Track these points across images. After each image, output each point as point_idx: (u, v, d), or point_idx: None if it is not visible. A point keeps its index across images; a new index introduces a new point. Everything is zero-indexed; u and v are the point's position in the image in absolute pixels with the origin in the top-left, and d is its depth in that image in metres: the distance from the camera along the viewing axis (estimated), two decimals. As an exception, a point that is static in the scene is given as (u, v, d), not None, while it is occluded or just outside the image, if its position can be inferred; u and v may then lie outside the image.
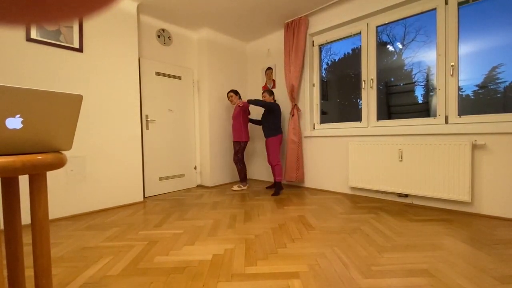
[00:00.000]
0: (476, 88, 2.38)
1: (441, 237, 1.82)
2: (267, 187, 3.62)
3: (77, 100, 0.71)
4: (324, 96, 3.61)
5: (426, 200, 2.52)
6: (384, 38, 2.98)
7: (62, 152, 0.80)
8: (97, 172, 2.68)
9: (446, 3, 2.44)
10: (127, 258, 1.62)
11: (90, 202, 2.64)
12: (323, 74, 3.61)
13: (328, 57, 3.56)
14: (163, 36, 3.52)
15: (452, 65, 2.41)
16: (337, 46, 3.42)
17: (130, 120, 2.95)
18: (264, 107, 3.23)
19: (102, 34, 2.73)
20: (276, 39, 3.94)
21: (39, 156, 0.68)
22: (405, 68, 2.86)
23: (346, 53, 3.37)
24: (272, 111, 3.28)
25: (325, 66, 3.60)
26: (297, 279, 1.34)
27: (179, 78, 3.66)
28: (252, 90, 4.35)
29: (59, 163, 0.74)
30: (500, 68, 2.25)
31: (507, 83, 2.23)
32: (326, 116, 3.57)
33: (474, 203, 2.26)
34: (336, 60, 3.50)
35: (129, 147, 2.93)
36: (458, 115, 2.39)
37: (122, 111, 2.88)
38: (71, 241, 1.91)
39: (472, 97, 2.41)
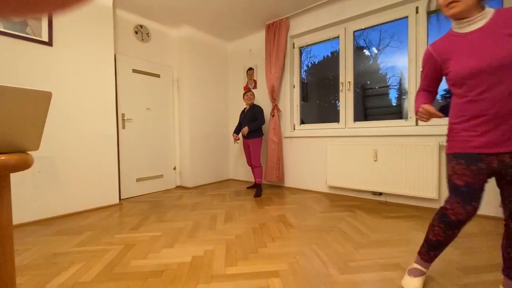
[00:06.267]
0: (444, 93, 2.55)
1: (412, 233, 1.93)
2: (248, 187, 3.63)
3: (45, 97, 0.67)
4: (304, 97, 3.68)
5: (399, 198, 2.66)
6: (361, 42, 3.10)
7: (29, 152, 0.75)
8: (68, 174, 2.54)
9: (417, 12, 2.58)
10: (101, 263, 1.55)
11: (61, 205, 2.49)
12: (303, 76, 3.68)
13: (308, 59, 3.64)
14: (141, 32, 3.41)
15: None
16: (317, 49, 3.51)
17: (105, 119, 2.82)
18: (261, 124, 3.23)
19: (75, 28, 2.59)
20: (257, 40, 3.96)
21: (2, 157, 0.63)
22: (381, 72, 3.00)
23: (326, 56, 3.47)
24: (261, 118, 3.28)
25: (305, 68, 3.68)
26: (276, 278, 1.35)
27: (158, 76, 3.56)
28: (234, 90, 4.33)
29: (24, 165, 0.69)
30: None
31: None
32: (306, 117, 3.65)
33: (441, 199, 2.42)
34: (316, 63, 3.59)
35: (103, 147, 2.80)
36: (427, 118, 2.54)
37: (96, 110, 2.74)
38: (38, 247, 1.79)
39: (440, 101, 2.58)
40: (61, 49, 2.49)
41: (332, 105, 3.37)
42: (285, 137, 3.62)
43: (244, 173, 4.20)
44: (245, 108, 3.47)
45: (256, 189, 3.26)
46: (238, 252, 1.66)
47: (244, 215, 2.41)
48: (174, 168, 3.78)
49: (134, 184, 3.28)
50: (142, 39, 3.43)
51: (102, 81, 2.80)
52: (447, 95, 2.57)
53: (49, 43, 2.41)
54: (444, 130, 2.37)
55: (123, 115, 3.16)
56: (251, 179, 4.12)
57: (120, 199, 3.06)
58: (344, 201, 2.82)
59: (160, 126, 3.60)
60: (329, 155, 3.05)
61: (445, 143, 2.36)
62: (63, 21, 2.51)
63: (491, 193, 2.19)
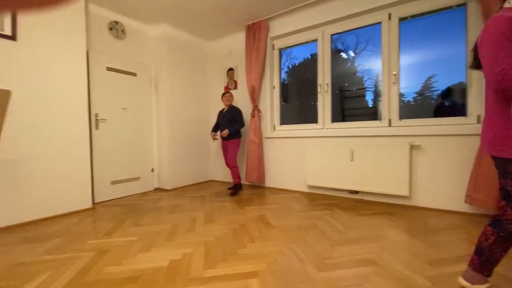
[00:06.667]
0: (416, 95, 2.70)
1: (385, 229, 2.02)
2: (229, 188, 3.61)
3: (4, 95, 0.63)
4: (285, 98, 3.73)
5: (374, 196, 2.77)
6: (339, 46, 3.20)
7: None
8: (34, 177, 2.38)
9: (390, 18, 2.71)
10: (71, 272, 1.47)
11: (27, 211, 2.33)
12: (284, 77, 3.72)
13: (289, 60, 3.69)
14: (116, 29, 3.27)
15: (394, 74, 2.69)
16: (298, 51, 3.57)
17: (76, 119, 2.68)
18: (241, 126, 3.28)
19: (43, 22, 2.43)
20: (237, 40, 3.95)
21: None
22: (358, 74, 3.11)
23: (306, 58, 3.53)
24: (241, 121, 3.31)
25: (286, 69, 3.72)
26: (255, 278, 1.36)
27: (134, 74, 3.44)
28: (214, 90, 4.29)
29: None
30: (434, 78, 2.58)
31: (439, 91, 2.57)
32: (287, 117, 3.69)
33: (412, 197, 2.55)
34: (297, 64, 3.65)
35: (74, 149, 2.66)
36: (399, 119, 2.68)
37: (66, 109, 2.60)
38: (1, 258, 1.66)
39: (412, 102, 2.73)
40: (26, 44, 2.33)
41: (312, 106, 3.44)
42: (266, 138, 3.64)
43: (225, 174, 4.17)
44: (223, 109, 3.46)
45: (234, 187, 3.32)
46: (217, 254, 1.64)
47: (224, 216, 2.40)
48: (152, 170, 3.67)
49: (109, 187, 3.14)
50: (117, 36, 3.30)
51: (72, 79, 2.65)
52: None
53: (13, 37, 2.25)
54: (415, 131, 2.50)
55: (96, 115, 3.02)
56: (232, 179, 4.08)
57: (93, 203, 2.92)
58: (323, 200, 2.89)
59: (137, 126, 3.47)
60: (308, 155, 3.11)
61: (415, 143, 2.50)
62: (30, 14, 2.35)
63: (457, 188, 2.35)
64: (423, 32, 2.62)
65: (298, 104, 3.66)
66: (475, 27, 2.31)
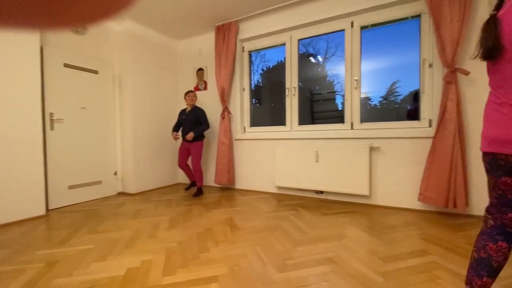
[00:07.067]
0: (381, 99, 2.85)
1: (346, 227, 2.10)
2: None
3: None
4: (259, 100, 3.75)
5: (337, 195, 2.89)
6: (311, 50, 3.29)
7: None
8: (-25, 183, 2.14)
9: (352, 26, 2.85)
10: (14, 286, 1.34)
11: (-35, 221, 2.09)
12: (258, 79, 3.74)
13: (263, 63, 3.71)
14: (75, 23, 3.06)
15: (356, 80, 2.83)
16: (271, 54, 3.60)
17: (27, 119, 2.46)
18: (206, 129, 3.26)
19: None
20: (207, 40, 3.90)
21: None
22: (328, 79, 3.21)
23: (280, 61, 3.57)
24: (206, 123, 3.28)
25: (260, 71, 3.74)
26: (215, 283, 1.34)
27: (95, 72, 3.24)
28: (183, 90, 4.18)
29: None
30: (398, 83, 2.75)
31: (402, 96, 2.75)
32: (260, 119, 3.71)
33: (371, 196, 2.69)
34: (271, 67, 3.68)
35: (25, 151, 2.44)
36: (360, 122, 2.82)
37: (16, 108, 2.38)
38: None
39: (379, 106, 2.88)
40: (-35, 35, 2.10)
41: (284, 108, 3.49)
42: (236, 139, 3.63)
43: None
44: (185, 109, 3.39)
45: (197, 189, 3.31)
46: (178, 260, 1.60)
47: (189, 221, 2.35)
48: (115, 173, 3.48)
49: (66, 192, 2.93)
50: (77, 31, 3.09)
51: (24, 75, 2.44)
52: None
53: None
54: (374, 133, 2.65)
55: (51, 114, 2.80)
56: (204, 180, 3.99)
57: (47, 209, 2.70)
58: (290, 200, 2.95)
59: (98, 127, 3.28)
60: (277, 157, 3.16)
61: (374, 145, 2.64)
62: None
63: (411, 187, 2.52)
64: (383, 40, 2.78)
65: (272, 106, 3.70)
66: (427, 37, 2.50)
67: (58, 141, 2.85)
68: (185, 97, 3.32)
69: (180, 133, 3.65)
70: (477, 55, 0.98)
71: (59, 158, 2.85)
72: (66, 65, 2.93)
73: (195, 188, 3.64)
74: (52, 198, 2.79)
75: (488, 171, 1.02)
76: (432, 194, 2.31)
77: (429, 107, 2.52)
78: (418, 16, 2.57)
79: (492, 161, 0.98)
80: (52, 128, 2.79)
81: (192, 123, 3.23)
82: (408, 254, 1.64)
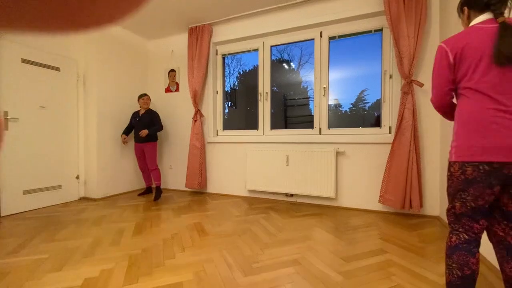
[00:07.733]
0: (351, 106, 3.00)
1: (312, 229, 2.18)
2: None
3: None
4: (233, 103, 3.75)
5: (306, 198, 2.98)
6: (285, 56, 3.37)
7: None
8: None
9: (321, 36, 2.98)
10: None
11: None
12: (234, 83, 3.74)
13: (239, 66, 3.73)
14: (34, 16, 2.86)
15: (324, 87, 2.96)
16: (247, 58, 3.62)
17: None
18: (160, 129, 3.35)
19: None
20: (180, 41, 3.84)
21: None
22: (302, 85, 3.31)
23: (256, 66, 3.59)
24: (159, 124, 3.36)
25: (237, 75, 3.75)
26: (179, 290, 1.32)
27: (57, 69, 3.04)
28: (154, 91, 4.06)
29: None
30: (366, 92, 2.92)
31: (370, 104, 2.92)
32: (233, 123, 3.71)
33: (337, 198, 2.82)
34: (247, 71, 3.70)
35: (-30, 153, 2.21)
36: (328, 128, 2.95)
37: (-42, 105, 2.15)
38: None
39: (349, 113, 3.02)
40: None
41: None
42: (208, 143, 3.60)
43: (164, 179, 3.97)
44: (138, 111, 3.39)
45: (156, 191, 3.26)
46: (141, 268, 1.55)
47: (156, 226, 2.28)
48: (77, 177, 3.27)
49: (20, 197, 2.69)
50: (36, 24, 2.88)
51: (-31, 70, 2.22)
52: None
53: None
54: (340, 139, 2.78)
55: (5, 113, 2.57)
56: (174, 184, 3.91)
57: (-4, 217, 2.47)
58: (261, 204, 2.98)
59: (59, 128, 3.07)
60: (248, 161, 3.19)
61: (340, 150, 2.78)
62: None
63: (373, 190, 2.68)
64: (350, 51, 2.95)
65: (248, 109, 3.72)
66: (388, 50, 2.69)
67: (12, 142, 2.62)
68: (139, 100, 3.34)
69: (131, 136, 3.65)
70: (497, 61, 0.91)
71: (12, 160, 2.62)
72: (24, 61, 2.72)
73: (153, 194, 3.59)
74: (5, 204, 2.55)
75: (466, 181, 0.97)
76: (390, 196, 2.48)
77: (389, 115, 2.71)
78: (380, 30, 2.76)
79: (479, 170, 0.93)
80: (5, 128, 2.56)
81: (146, 125, 3.27)
82: (367, 253, 1.75)
